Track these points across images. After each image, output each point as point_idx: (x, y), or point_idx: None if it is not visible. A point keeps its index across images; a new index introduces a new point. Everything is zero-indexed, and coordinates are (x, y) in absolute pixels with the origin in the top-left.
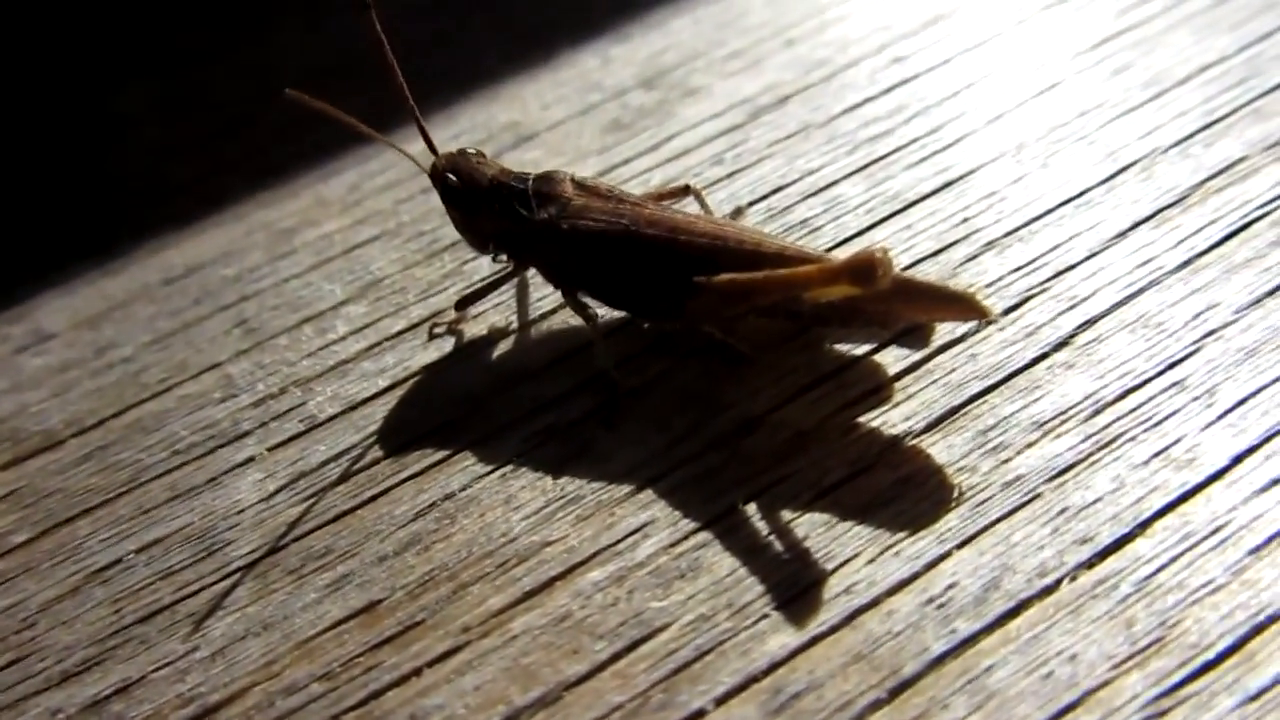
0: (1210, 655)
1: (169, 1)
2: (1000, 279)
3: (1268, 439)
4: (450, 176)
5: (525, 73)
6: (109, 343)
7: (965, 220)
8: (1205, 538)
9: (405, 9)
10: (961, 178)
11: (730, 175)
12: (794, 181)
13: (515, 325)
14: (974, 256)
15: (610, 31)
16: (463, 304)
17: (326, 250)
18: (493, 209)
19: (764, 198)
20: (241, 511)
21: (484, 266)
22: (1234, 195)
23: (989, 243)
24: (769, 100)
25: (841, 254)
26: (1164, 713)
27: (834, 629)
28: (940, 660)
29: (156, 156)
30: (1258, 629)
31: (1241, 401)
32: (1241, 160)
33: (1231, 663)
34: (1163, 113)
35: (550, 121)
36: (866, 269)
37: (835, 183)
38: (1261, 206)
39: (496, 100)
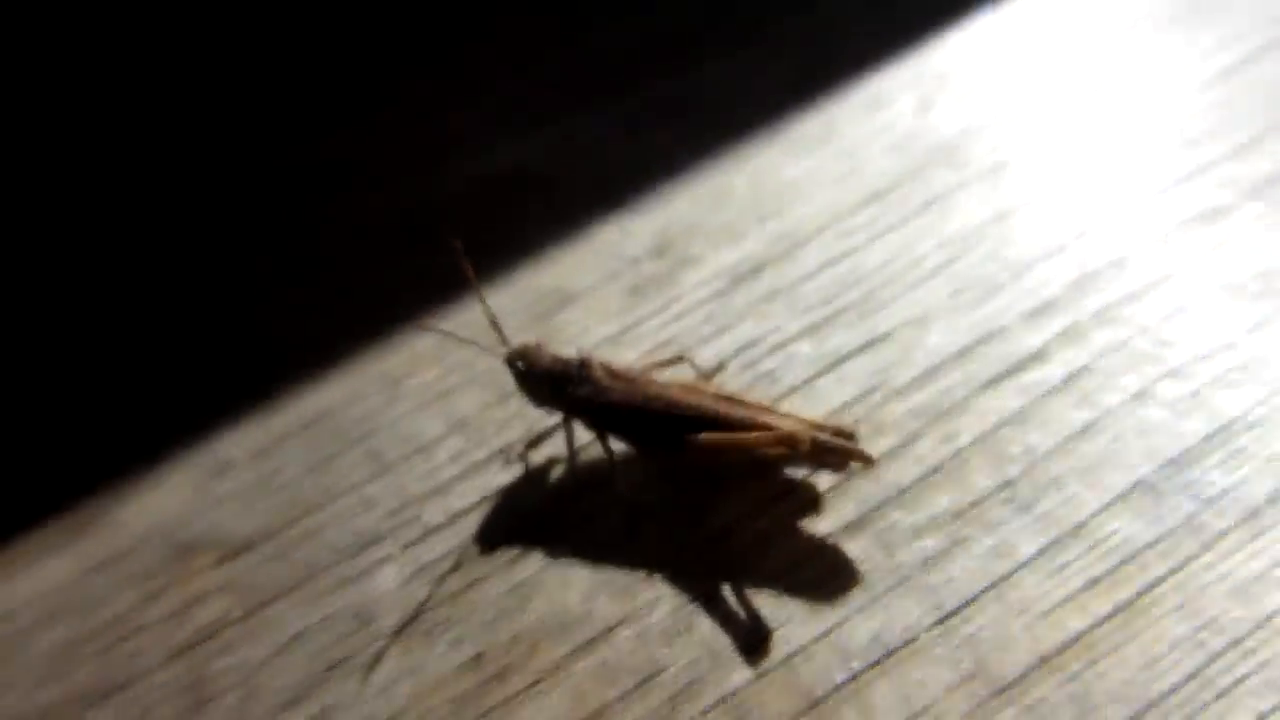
0: (1004, 682)
1: (285, 173)
2: (901, 417)
3: (1060, 538)
4: (519, 364)
5: (565, 243)
6: (275, 469)
7: (882, 371)
8: (1019, 613)
9: (470, 187)
10: (882, 337)
11: (717, 333)
12: (762, 338)
13: (564, 456)
14: (885, 401)
15: (628, 206)
16: (530, 445)
17: (425, 394)
18: (548, 387)
19: (741, 351)
20: (387, 593)
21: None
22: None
23: (896, 390)
24: (747, 269)
25: (801, 410)
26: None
27: (774, 668)
28: (840, 686)
29: (290, 315)
30: (1043, 660)
31: (1055, 507)
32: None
33: (1017, 686)
34: (1024, 293)
35: (584, 286)
36: (792, 441)
37: (792, 340)
38: None
39: (541, 267)
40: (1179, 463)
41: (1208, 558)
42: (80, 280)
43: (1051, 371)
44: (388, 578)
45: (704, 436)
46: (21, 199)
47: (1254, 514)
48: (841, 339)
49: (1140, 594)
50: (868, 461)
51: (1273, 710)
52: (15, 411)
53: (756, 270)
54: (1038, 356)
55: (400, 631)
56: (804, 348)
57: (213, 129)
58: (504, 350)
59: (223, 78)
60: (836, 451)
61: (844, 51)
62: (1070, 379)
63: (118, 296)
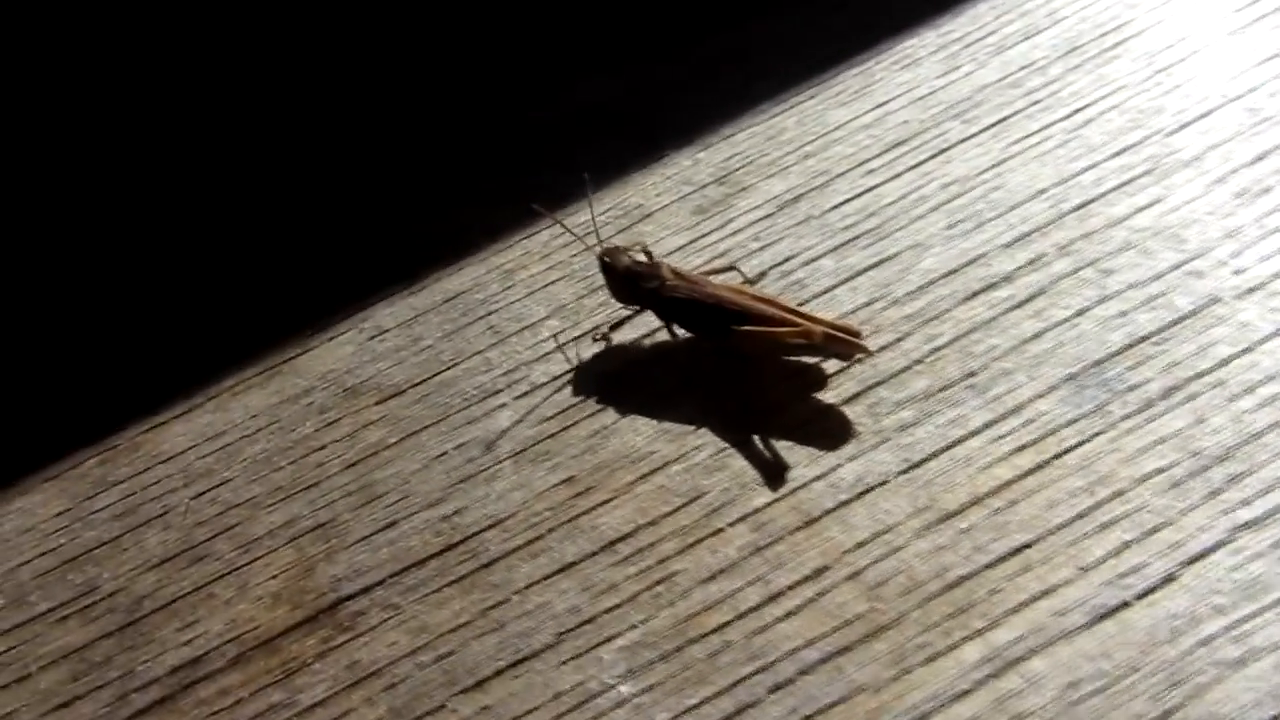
0: (949, 512)
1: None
2: (896, 321)
3: (1004, 415)
4: (606, 260)
5: (646, 169)
6: (419, 336)
7: (886, 286)
8: (965, 466)
9: (578, 120)
10: (889, 258)
11: (761, 248)
12: (795, 255)
13: (639, 336)
14: (885, 308)
15: (697, 140)
16: (612, 327)
17: (532, 284)
18: (626, 282)
19: (778, 265)
20: (503, 430)
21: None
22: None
23: (894, 300)
24: (789, 197)
25: (820, 312)
26: (922, 537)
27: (784, 495)
28: (830, 510)
29: (429, 213)
30: (977, 499)
31: (1004, 393)
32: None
33: (957, 516)
34: (1006, 225)
35: (660, 205)
36: (809, 334)
37: (819, 257)
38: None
39: (628, 187)
40: (1101, 364)
41: (1110, 435)
42: (285, 187)
43: (1016, 290)
44: (504, 418)
45: (745, 328)
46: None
47: (1148, 405)
48: (857, 258)
49: (1054, 457)
50: (867, 353)
51: (1136, 540)
52: (224, 280)
53: (796, 199)
54: (1008, 279)
55: (513, 457)
56: (827, 263)
57: (365, 50)
58: (598, 249)
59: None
60: (843, 344)
61: (885, 15)
62: (1030, 298)
63: (308, 200)
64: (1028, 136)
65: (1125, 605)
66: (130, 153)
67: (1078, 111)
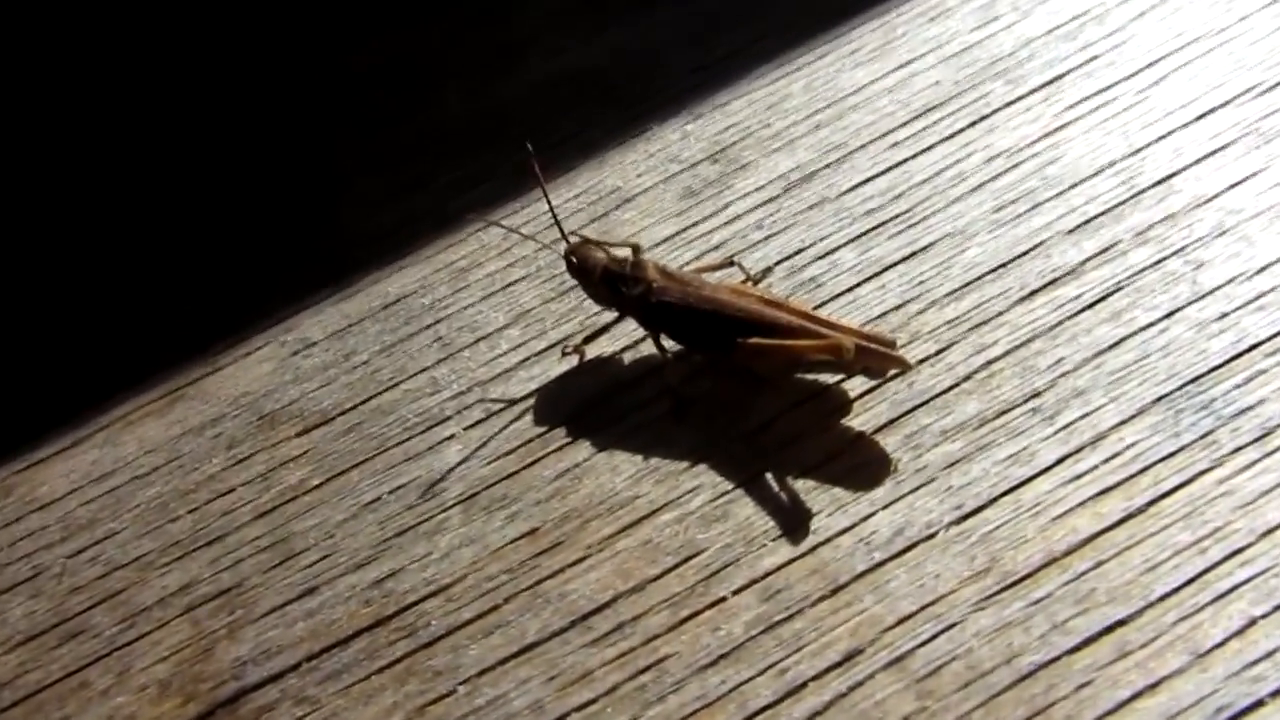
0: (1017, 576)
1: (361, 74)
2: (937, 328)
3: (1080, 449)
4: (573, 260)
5: (625, 145)
6: (351, 350)
7: (921, 283)
8: (1034, 515)
9: (534, 89)
10: (923, 249)
11: (765, 239)
12: (809, 246)
13: (618, 350)
14: (921, 311)
15: (687, 110)
16: (586, 340)
17: (490, 286)
18: (604, 285)
19: (787, 259)
20: (451, 469)
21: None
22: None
23: (932, 301)
24: (797, 176)
25: (841, 318)
26: (982, 609)
27: (803, 554)
28: (862, 574)
29: (362, 206)
30: (1052, 559)
31: (1077, 419)
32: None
33: (1026, 581)
34: (1067, 207)
35: (642, 187)
36: (838, 349)
37: (837, 249)
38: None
39: (604, 167)
40: (1201, 380)
41: (1218, 473)
42: (175, 174)
43: (1085, 288)
44: (451, 454)
45: (753, 340)
46: (128, 95)
47: (1267, 434)
48: (884, 249)
49: (1150, 503)
50: (905, 368)
51: (1266, 615)
52: (113, 288)
53: (807, 178)
54: (1073, 273)
55: (461, 504)
56: (847, 256)
57: (290, 27)
58: (563, 247)
59: None
60: (877, 357)
61: None
62: (1103, 297)
63: (208, 189)
64: (1087, 99)
65: (1259, 705)
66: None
67: (1148, 67)
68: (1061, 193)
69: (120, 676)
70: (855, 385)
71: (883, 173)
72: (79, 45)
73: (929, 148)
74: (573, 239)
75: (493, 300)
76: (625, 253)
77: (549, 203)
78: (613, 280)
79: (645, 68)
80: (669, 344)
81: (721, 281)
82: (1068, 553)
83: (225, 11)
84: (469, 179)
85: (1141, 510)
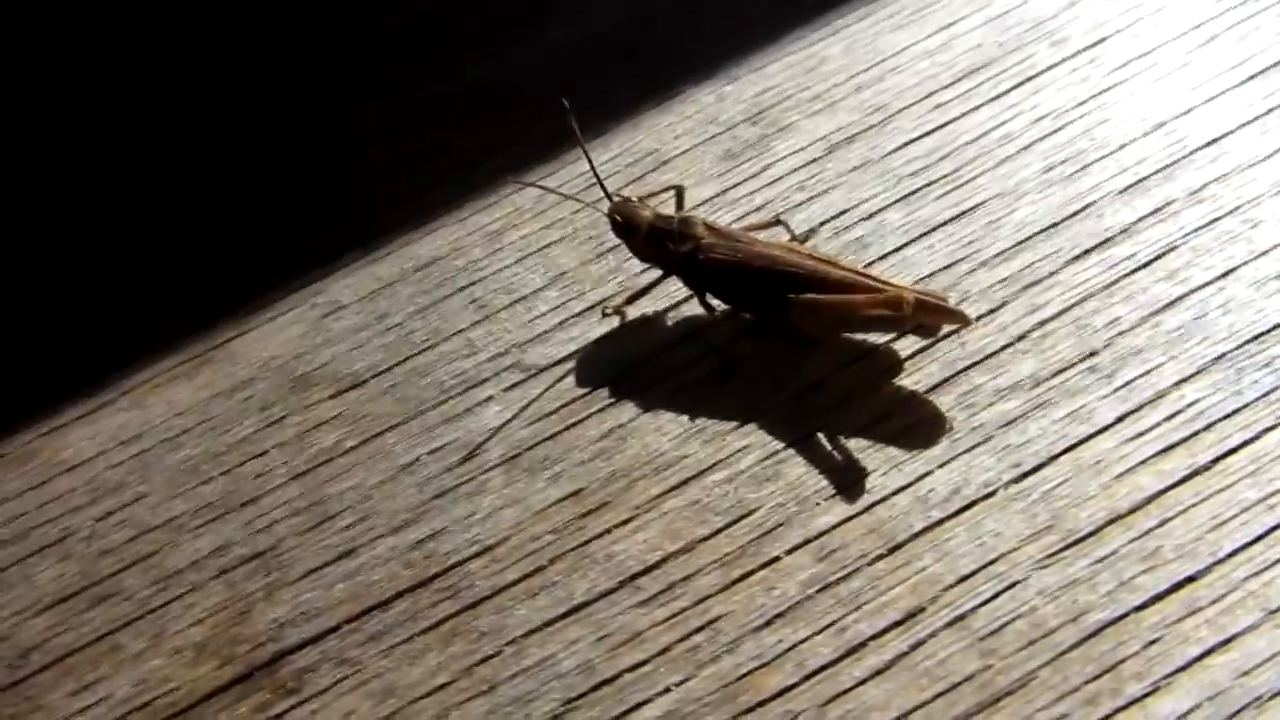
0: (1080, 534)
1: (380, 38)
2: (988, 288)
3: (1140, 407)
4: (618, 218)
5: (662, 107)
6: (384, 312)
7: (970, 243)
8: (1096, 473)
9: (568, 50)
10: (971, 209)
11: (809, 200)
12: (853, 207)
13: (661, 310)
14: (971, 271)
15: (723, 74)
16: (628, 300)
17: (525, 248)
18: (649, 243)
19: (831, 219)
20: (491, 431)
21: (638, 263)
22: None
23: (983, 261)
24: (840, 138)
25: (885, 274)
26: (1046, 567)
27: (858, 513)
28: (920, 533)
29: (387, 170)
30: (1115, 517)
31: (1136, 377)
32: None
33: (1090, 539)
34: (1118, 167)
35: (680, 149)
36: (897, 302)
37: (882, 209)
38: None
39: (638, 130)
40: (1263, 340)
41: None
42: (198, 138)
43: (1139, 248)
44: (491, 415)
45: (808, 296)
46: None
47: None
48: (931, 209)
49: (1214, 461)
50: (965, 322)
51: None
52: (136, 253)
53: (849, 140)
54: (1126, 233)
55: (503, 465)
56: (893, 216)
57: None
58: (605, 205)
59: None
60: (937, 312)
61: None
62: (1157, 256)
63: (232, 152)
64: (1136, 60)
65: None
66: (23, 110)
67: (1197, 28)
68: (1111, 153)
69: (154, 640)
70: (905, 345)
71: (928, 134)
72: (111, 12)
73: (974, 109)
74: (615, 198)
75: (528, 262)
76: (671, 209)
77: (589, 160)
78: (659, 237)
79: (670, 32)
80: (715, 303)
81: (770, 240)
82: (1131, 510)
83: None
84: (498, 143)
85: (1206, 468)
